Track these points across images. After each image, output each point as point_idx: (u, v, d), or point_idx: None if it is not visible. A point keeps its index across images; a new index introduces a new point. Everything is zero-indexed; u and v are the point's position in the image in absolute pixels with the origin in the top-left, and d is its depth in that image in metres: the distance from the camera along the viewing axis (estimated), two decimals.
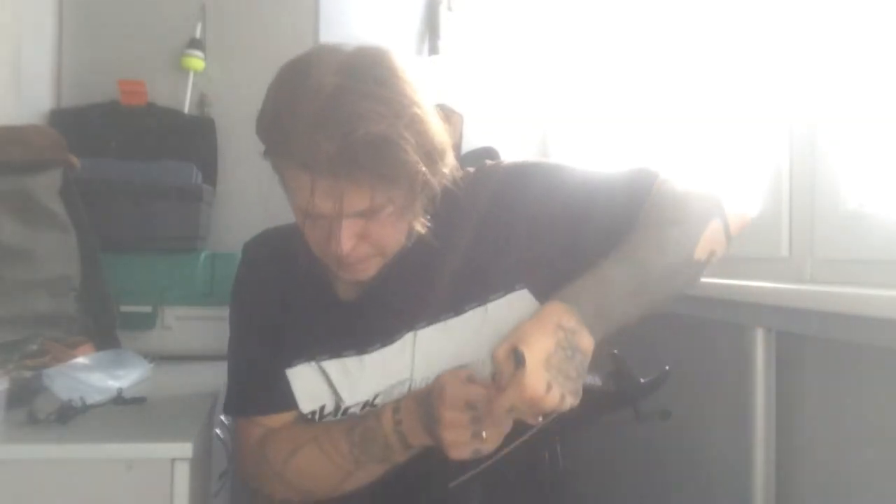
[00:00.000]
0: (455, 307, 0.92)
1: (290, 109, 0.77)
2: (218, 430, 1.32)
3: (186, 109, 1.94)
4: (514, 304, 0.91)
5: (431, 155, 0.80)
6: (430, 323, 0.92)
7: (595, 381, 0.78)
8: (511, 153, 2.22)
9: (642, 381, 0.82)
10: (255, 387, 0.96)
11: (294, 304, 0.97)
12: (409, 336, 0.93)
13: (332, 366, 0.94)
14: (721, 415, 1.12)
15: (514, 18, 2.16)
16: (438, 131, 0.81)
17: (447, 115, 2.37)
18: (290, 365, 0.94)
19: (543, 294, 0.84)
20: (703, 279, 1.06)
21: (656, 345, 1.34)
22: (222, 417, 1.35)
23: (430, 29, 2.15)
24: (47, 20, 1.86)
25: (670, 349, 1.29)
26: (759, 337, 0.96)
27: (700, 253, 0.80)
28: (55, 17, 1.90)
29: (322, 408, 0.94)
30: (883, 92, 0.87)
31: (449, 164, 0.85)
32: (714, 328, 1.13)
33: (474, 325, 0.91)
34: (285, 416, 0.95)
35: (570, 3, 1.96)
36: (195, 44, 1.94)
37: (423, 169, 0.78)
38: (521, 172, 0.95)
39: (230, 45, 2.00)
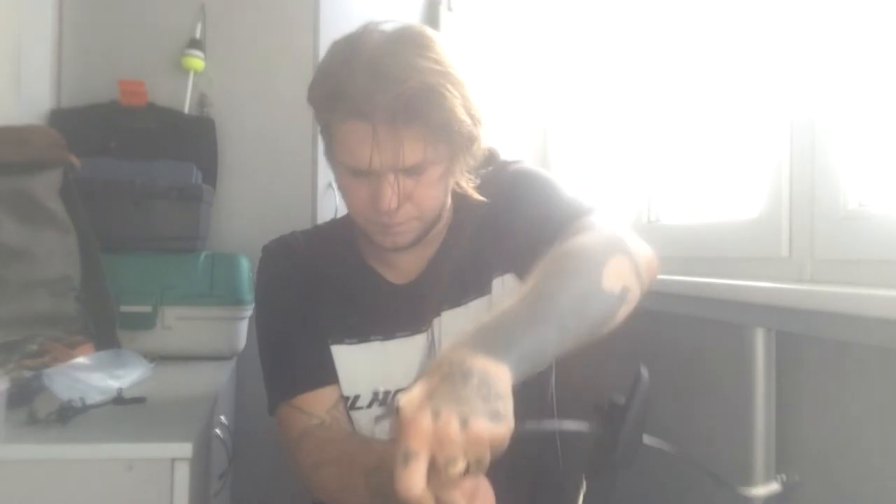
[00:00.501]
0: (479, 289, 0.96)
1: (346, 65, 0.81)
2: (218, 430, 1.32)
3: (186, 109, 1.94)
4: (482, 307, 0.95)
5: (474, 116, 0.85)
6: (453, 306, 0.96)
7: (582, 426, 0.72)
8: (511, 153, 2.22)
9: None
10: (297, 363, 0.97)
11: (331, 285, 1.00)
12: (435, 321, 0.96)
13: (365, 349, 0.97)
14: (721, 415, 1.12)
15: (515, 18, 2.16)
16: (479, 99, 0.87)
17: None
18: (332, 341, 0.98)
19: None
20: (703, 279, 1.06)
21: (657, 345, 1.34)
22: (222, 417, 1.35)
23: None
24: (47, 20, 1.86)
25: (670, 349, 1.29)
26: (759, 337, 0.95)
27: (608, 283, 0.75)
28: (55, 17, 1.90)
29: (356, 398, 0.96)
30: (883, 91, 0.87)
31: (486, 136, 0.90)
32: (714, 328, 1.13)
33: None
34: (327, 396, 0.95)
35: (570, 3, 1.96)
36: (195, 44, 1.94)
37: (470, 125, 0.83)
38: (523, 176, 1.02)
39: (230, 45, 2.00)
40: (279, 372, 0.98)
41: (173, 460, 0.92)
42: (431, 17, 2.14)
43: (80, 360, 1.22)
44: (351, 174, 0.87)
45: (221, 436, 1.34)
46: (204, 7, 1.98)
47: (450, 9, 2.14)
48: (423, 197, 0.87)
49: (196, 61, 1.93)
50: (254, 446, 1.63)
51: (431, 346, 0.96)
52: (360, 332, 0.98)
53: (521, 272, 0.89)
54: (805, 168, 0.97)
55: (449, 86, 0.80)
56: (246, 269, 1.72)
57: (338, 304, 0.99)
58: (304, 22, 2.02)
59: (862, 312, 0.74)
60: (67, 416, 1.00)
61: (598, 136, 1.78)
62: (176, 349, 1.60)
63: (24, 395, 1.06)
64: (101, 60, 1.93)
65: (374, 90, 0.78)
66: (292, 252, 1.03)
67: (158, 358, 1.50)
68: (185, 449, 0.93)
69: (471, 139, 0.86)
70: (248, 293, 1.70)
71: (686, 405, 1.23)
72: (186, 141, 1.90)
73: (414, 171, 0.84)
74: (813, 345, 0.91)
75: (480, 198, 0.94)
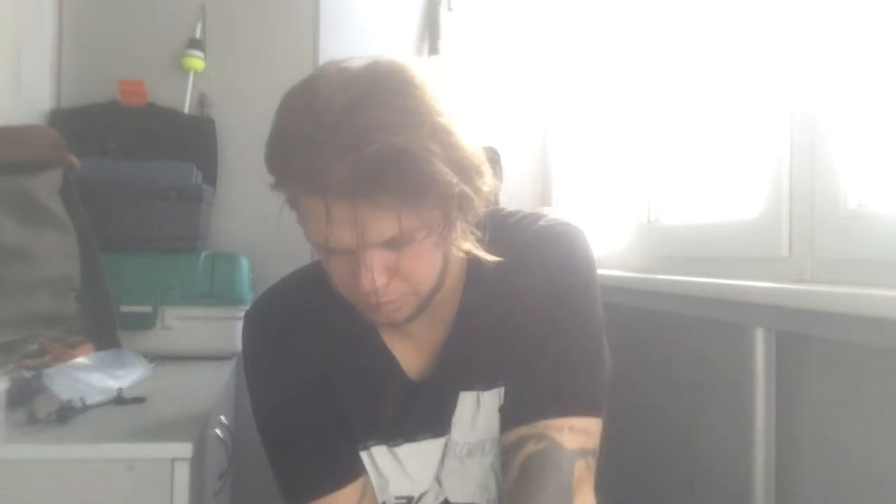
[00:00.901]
0: (492, 383, 0.86)
1: (298, 129, 0.67)
2: (218, 430, 1.32)
3: (186, 109, 1.94)
4: (494, 401, 0.85)
5: (465, 168, 0.69)
6: (466, 389, 0.86)
7: None
8: (510, 154, 2.22)
9: None
10: (311, 463, 0.84)
11: (343, 369, 0.85)
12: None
13: (390, 454, 0.86)
14: (721, 415, 1.12)
15: (515, 18, 2.16)
16: (470, 144, 0.71)
17: None
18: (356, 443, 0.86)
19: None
20: (703, 279, 1.06)
21: (657, 345, 1.34)
22: (222, 417, 1.35)
23: (430, 29, 2.15)
24: (47, 20, 1.86)
25: (670, 349, 1.29)
26: (759, 337, 0.96)
27: None
28: (55, 17, 1.90)
29: None
30: (884, 91, 0.87)
31: (489, 185, 0.75)
32: (714, 328, 1.13)
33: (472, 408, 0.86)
34: (351, 497, 0.83)
35: (570, 3, 1.96)
36: (195, 44, 1.94)
37: (457, 182, 0.67)
38: (558, 268, 0.82)
39: (230, 45, 2.00)
40: (290, 473, 0.85)
41: (173, 460, 0.92)
42: (431, 17, 2.14)
43: (81, 359, 1.22)
44: (323, 250, 0.73)
45: (221, 436, 1.34)
46: (204, 7, 1.98)
47: (450, 9, 2.14)
48: (413, 272, 0.72)
49: (196, 61, 1.93)
50: (254, 446, 1.63)
51: (448, 441, 0.86)
52: (386, 435, 0.86)
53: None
54: (805, 168, 0.96)
55: (428, 142, 0.65)
56: (246, 268, 1.73)
57: (355, 396, 0.85)
58: (304, 22, 2.02)
59: (862, 312, 0.74)
60: (67, 416, 1.00)
61: (598, 136, 1.77)
62: (176, 349, 1.60)
63: (24, 395, 1.06)
64: (101, 60, 1.93)
65: (328, 160, 0.63)
66: (288, 321, 0.86)
67: (158, 358, 1.50)
68: (185, 449, 0.93)
69: (465, 198, 0.70)
70: (248, 293, 1.70)
71: (686, 405, 1.23)
72: (186, 141, 1.90)
73: (394, 245, 0.69)
74: (813, 345, 0.91)
75: (493, 258, 0.78)
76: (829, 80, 0.93)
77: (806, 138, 0.97)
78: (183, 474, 0.92)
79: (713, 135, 1.30)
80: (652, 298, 1.23)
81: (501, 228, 0.83)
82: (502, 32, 2.16)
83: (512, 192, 2.25)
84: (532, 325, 0.80)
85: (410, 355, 0.86)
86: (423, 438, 0.86)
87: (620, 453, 1.36)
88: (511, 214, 0.89)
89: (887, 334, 0.72)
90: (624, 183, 1.55)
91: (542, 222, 0.86)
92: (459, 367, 0.84)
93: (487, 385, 0.84)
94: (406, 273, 0.72)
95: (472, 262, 0.81)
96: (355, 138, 0.64)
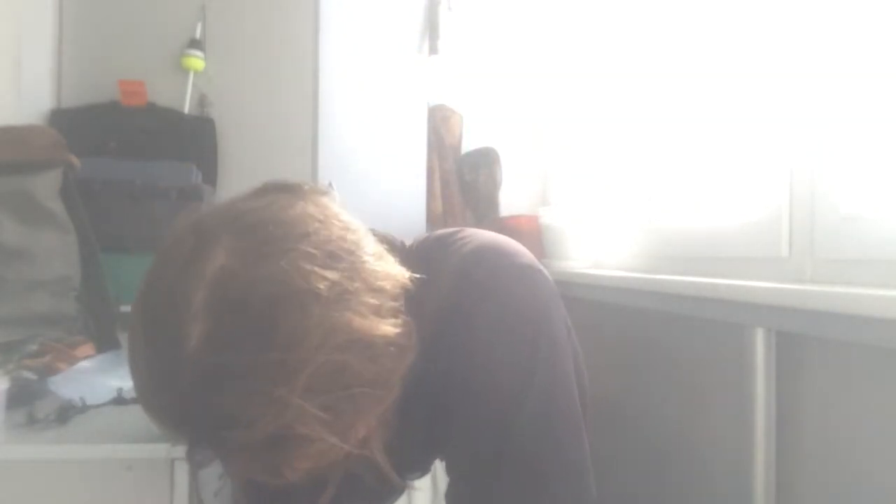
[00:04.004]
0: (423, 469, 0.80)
1: (146, 389, 0.57)
2: None
3: (186, 109, 1.94)
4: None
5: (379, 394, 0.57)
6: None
7: None
8: (510, 153, 2.22)
9: None
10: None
11: None
12: None
13: None
14: (721, 415, 1.12)
15: (514, 18, 2.16)
16: (396, 359, 0.58)
17: (447, 115, 2.39)
18: None
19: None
20: (703, 279, 1.06)
21: (657, 345, 1.34)
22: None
23: (430, 29, 2.15)
24: (47, 20, 1.86)
25: (670, 349, 1.29)
26: (759, 337, 0.95)
27: None
28: (55, 17, 1.90)
29: None
30: (884, 91, 0.87)
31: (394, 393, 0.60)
32: (714, 328, 1.13)
33: None
34: None
35: (570, 3, 1.96)
36: (195, 44, 1.94)
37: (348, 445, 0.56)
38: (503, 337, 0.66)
39: (230, 45, 2.00)
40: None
41: (173, 460, 0.92)
42: (431, 17, 2.14)
43: (84, 363, 1.22)
44: None
45: None
46: (204, 7, 1.98)
47: (450, 9, 2.15)
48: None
49: (196, 61, 1.93)
50: None
51: None
52: None
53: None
54: (805, 168, 0.97)
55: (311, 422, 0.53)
56: None
57: None
58: (304, 22, 2.02)
59: (862, 312, 0.74)
60: (67, 417, 1.00)
61: (598, 136, 1.77)
62: None
63: (24, 395, 1.06)
64: (101, 60, 1.93)
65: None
66: None
67: None
68: (185, 449, 0.92)
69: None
70: None
71: (686, 405, 1.23)
72: (186, 141, 1.90)
73: None
74: (813, 345, 0.91)
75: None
76: (830, 80, 0.93)
77: (806, 138, 0.97)
78: (183, 474, 0.92)
79: (713, 134, 1.30)
80: (652, 298, 1.23)
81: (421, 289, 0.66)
82: (502, 32, 2.16)
83: (512, 192, 2.25)
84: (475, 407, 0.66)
85: None
86: None
87: (620, 453, 1.36)
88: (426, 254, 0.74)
89: (887, 334, 0.72)
90: (624, 183, 1.55)
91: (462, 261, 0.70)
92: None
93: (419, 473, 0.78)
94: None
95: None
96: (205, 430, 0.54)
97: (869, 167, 0.89)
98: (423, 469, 0.78)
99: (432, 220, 2.17)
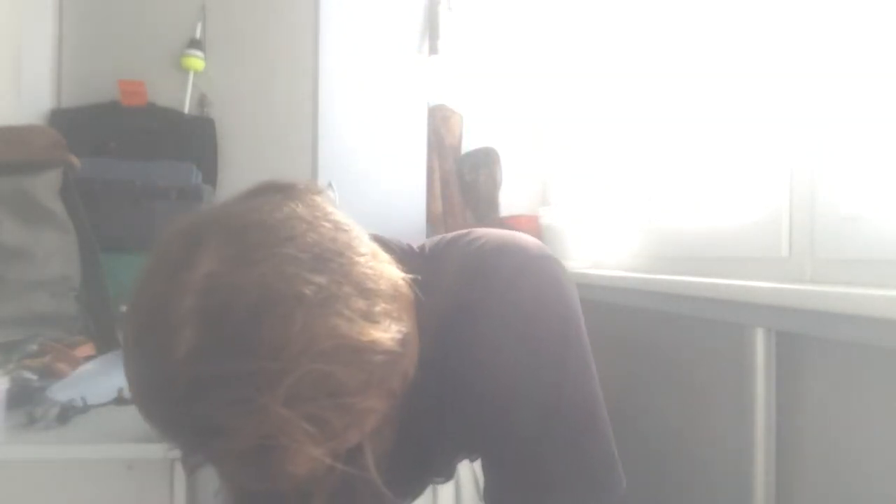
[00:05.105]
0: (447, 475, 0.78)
1: (138, 395, 0.56)
2: None
3: (186, 109, 1.94)
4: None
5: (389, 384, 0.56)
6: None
7: None
8: (510, 153, 2.22)
9: None
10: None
11: None
12: None
13: None
14: (721, 415, 1.12)
15: (514, 18, 2.16)
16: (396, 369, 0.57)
17: (447, 115, 2.39)
18: None
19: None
20: (703, 279, 1.06)
21: (657, 345, 1.34)
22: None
23: (430, 29, 2.15)
24: (47, 20, 1.86)
25: (671, 349, 1.29)
26: (759, 337, 0.95)
27: None
28: (55, 17, 1.90)
29: None
30: (884, 91, 0.87)
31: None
32: (714, 328, 1.13)
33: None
34: None
35: (570, 3, 1.96)
36: (195, 44, 1.94)
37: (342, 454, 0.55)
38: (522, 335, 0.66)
39: (230, 45, 2.00)
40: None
41: (173, 460, 0.92)
42: (431, 17, 2.14)
43: (84, 367, 1.22)
44: None
45: None
46: (204, 7, 1.98)
47: (450, 9, 2.15)
48: None
49: (196, 61, 1.93)
50: None
51: None
52: None
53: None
54: (805, 168, 0.97)
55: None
56: None
57: None
58: (304, 22, 2.02)
59: (862, 312, 0.74)
60: (67, 417, 1.00)
61: (598, 136, 1.77)
62: None
63: (24, 395, 1.06)
64: (101, 60, 1.93)
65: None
66: None
67: None
68: (180, 453, 0.92)
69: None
70: None
71: (686, 405, 1.23)
72: (186, 141, 1.90)
73: None
74: (813, 345, 0.91)
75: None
76: (831, 80, 0.93)
77: (806, 138, 0.97)
78: (183, 474, 0.92)
79: (714, 134, 1.30)
80: (652, 298, 1.23)
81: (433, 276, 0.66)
82: (502, 32, 2.16)
83: (512, 192, 2.25)
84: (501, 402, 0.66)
85: None
86: None
87: (620, 453, 1.36)
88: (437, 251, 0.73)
89: (887, 334, 0.72)
90: (624, 183, 1.55)
91: (484, 248, 0.69)
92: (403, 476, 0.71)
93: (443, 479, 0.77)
94: None
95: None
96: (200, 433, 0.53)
97: (869, 167, 0.89)
98: (445, 474, 0.76)
99: (432, 220, 2.17)
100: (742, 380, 0.98)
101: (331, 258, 0.56)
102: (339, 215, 0.61)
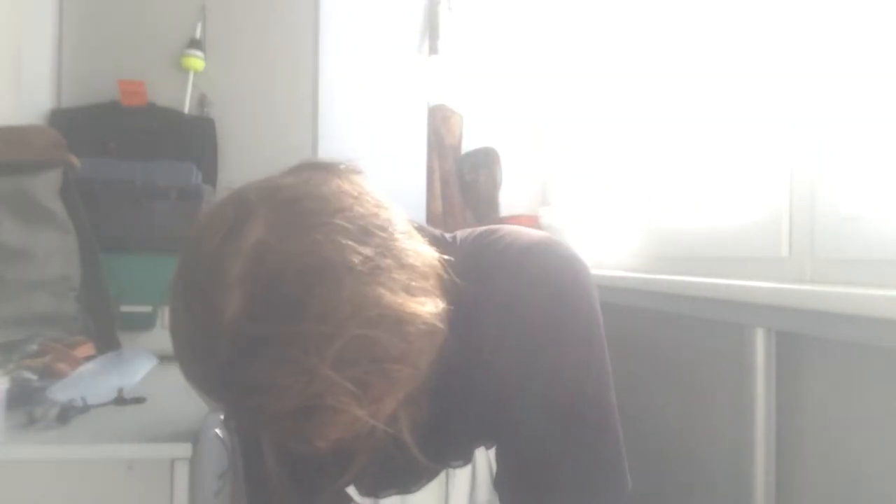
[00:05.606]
0: (465, 458, 0.77)
1: (185, 356, 0.58)
2: (218, 430, 1.32)
3: (186, 109, 1.94)
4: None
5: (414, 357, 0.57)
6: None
7: None
8: (510, 153, 2.22)
9: None
10: None
11: None
12: None
13: None
14: (721, 415, 1.12)
15: (514, 18, 2.16)
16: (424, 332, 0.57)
17: (447, 115, 2.38)
18: None
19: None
20: (703, 279, 1.06)
21: (657, 345, 1.34)
22: (222, 417, 1.35)
23: (430, 29, 2.15)
24: (47, 20, 1.86)
25: (671, 349, 1.29)
26: (759, 337, 0.95)
27: None
28: (55, 17, 1.90)
29: None
30: (884, 91, 0.87)
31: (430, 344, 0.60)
32: (714, 328, 1.13)
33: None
34: None
35: (570, 3, 1.96)
36: (195, 44, 1.94)
37: (376, 420, 0.57)
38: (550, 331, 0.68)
39: (230, 45, 2.00)
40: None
41: (173, 460, 0.92)
42: (431, 17, 2.14)
43: (84, 367, 1.22)
44: None
45: (221, 436, 1.34)
46: (204, 7, 1.98)
47: (450, 9, 2.15)
48: None
49: (196, 61, 1.93)
50: None
51: None
52: None
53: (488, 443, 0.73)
54: (805, 168, 0.97)
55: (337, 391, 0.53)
56: None
57: None
58: (304, 22, 2.02)
59: (862, 312, 0.74)
60: (67, 417, 1.00)
61: (598, 136, 1.78)
62: None
63: (24, 395, 1.06)
64: (101, 60, 1.93)
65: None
66: None
67: (158, 358, 1.50)
68: (185, 449, 0.92)
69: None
70: None
71: (686, 405, 1.23)
72: (186, 141, 1.90)
73: None
74: (813, 345, 0.91)
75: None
76: (831, 80, 0.93)
77: (807, 138, 0.97)
78: (183, 474, 0.92)
79: (714, 134, 1.30)
80: (652, 298, 1.23)
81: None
82: (502, 32, 2.16)
83: (512, 192, 2.25)
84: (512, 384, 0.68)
85: None
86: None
87: None
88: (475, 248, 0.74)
89: (887, 334, 0.72)
90: (624, 183, 1.55)
91: (515, 249, 0.71)
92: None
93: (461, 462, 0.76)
94: None
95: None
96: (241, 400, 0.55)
97: (869, 167, 0.89)
98: (463, 458, 0.76)
99: (432, 220, 2.17)
100: (742, 380, 0.98)
101: (375, 232, 0.58)
102: (379, 193, 0.64)
